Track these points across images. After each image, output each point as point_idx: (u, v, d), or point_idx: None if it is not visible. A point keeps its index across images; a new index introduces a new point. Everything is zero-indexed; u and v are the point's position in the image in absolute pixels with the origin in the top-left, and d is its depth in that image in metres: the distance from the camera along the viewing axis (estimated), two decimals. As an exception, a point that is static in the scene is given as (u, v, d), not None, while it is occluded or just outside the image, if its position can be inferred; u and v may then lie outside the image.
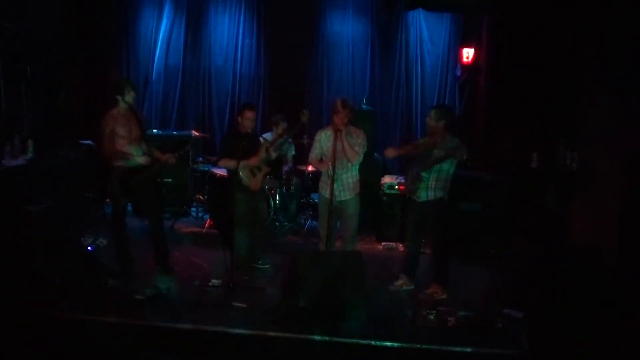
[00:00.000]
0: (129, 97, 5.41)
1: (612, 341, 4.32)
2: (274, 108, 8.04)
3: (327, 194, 5.42)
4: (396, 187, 7.18)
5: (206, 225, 7.50)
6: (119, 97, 5.42)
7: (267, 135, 7.44)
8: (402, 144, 5.59)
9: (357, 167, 5.55)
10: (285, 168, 7.71)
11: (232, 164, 5.78)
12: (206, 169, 7.92)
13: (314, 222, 7.87)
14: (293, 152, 7.93)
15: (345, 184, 5.51)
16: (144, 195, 5.59)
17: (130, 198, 5.65)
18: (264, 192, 6.66)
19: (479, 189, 6.90)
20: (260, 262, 6.13)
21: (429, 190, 5.38)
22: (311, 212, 7.94)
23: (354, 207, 5.57)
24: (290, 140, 7.59)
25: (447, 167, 5.36)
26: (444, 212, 5.46)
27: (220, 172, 7.58)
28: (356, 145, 5.45)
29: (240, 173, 5.78)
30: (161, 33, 8.84)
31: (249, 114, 5.87)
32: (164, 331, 4.61)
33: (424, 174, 5.35)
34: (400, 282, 5.70)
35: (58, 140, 7.25)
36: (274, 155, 6.12)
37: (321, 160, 5.63)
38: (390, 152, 5.72)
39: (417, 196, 5.47)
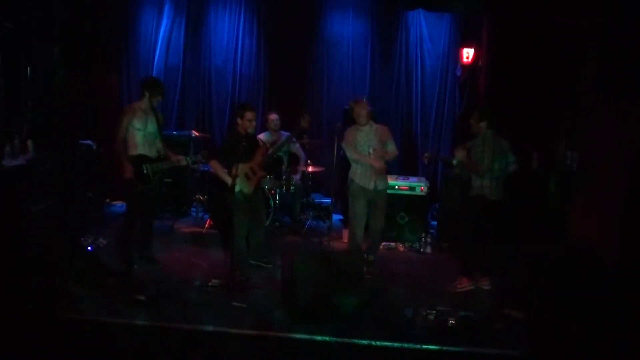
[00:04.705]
0: (154, 99, 5.60)
1: (612, 341, 4.32)
2: (274, 108, 8.03)
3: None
4: (396, 187, 7.18)
5: (206, 225, 7.49)
6: (146, 93, 5.60)
7: (263, 136, 7.43)
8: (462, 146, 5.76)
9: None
10: (298, 177, 7.73)
11: (221, 170, 5.76)
12: (206, 169, 7.92)
13: (314, 222, 7.88)
14: (303, 155, 7.94)
15: None
16: (152, 186, 5.67)
17: (145, 184, 5.67)
18: (263, 192, 6.65)
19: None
20: (264, 261, 6.13)
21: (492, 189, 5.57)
22: (311, 212, 7.95)
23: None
24: (294, 140, 7.60)
25: (501, 166, 5.58)
26: (494, 212, 5.65)
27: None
28: None
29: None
30: (161, 33, 8.82)
31: (250, 115, 5.77)
32: (164, 331, 4.61)
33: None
34: (464, 284, 5.71)
35: (58, 140, 7.25)
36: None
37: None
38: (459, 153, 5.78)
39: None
